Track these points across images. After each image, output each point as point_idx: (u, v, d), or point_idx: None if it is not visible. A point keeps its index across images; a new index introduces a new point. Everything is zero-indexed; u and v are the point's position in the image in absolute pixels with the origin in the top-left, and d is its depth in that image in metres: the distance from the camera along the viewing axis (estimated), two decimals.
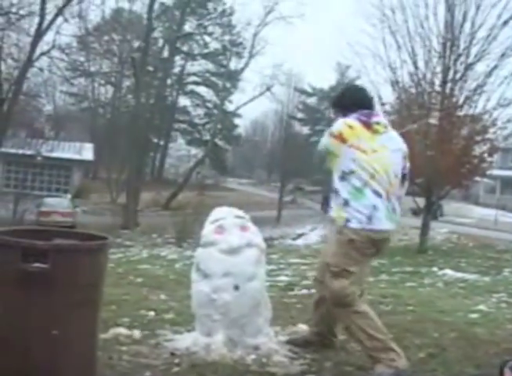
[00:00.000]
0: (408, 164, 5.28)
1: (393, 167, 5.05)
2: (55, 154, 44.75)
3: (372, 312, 5.07)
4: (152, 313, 6.79)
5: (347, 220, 4.94)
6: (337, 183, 5.00)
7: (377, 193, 4.91)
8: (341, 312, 5.02)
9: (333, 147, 5.02)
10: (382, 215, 4.95)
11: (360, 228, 4.91)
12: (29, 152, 40.01)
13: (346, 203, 4.93)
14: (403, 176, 5.20)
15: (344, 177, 4.95)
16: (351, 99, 5.30)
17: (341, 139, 4.94)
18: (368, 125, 5.01)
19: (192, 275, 5.54)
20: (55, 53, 34.72)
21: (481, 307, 8.95)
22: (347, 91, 5.75)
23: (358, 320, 4.94)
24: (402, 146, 5.25)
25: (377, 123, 5.08)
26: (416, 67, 24.12)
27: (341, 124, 5.03)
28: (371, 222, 4.92)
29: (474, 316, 7.99)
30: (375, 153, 4.95)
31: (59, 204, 36.38)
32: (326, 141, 5.12)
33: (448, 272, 15.78)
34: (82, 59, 45.40)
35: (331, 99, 5.72)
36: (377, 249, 5.12)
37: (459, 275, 15.18)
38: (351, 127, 4.97)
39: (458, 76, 23.81)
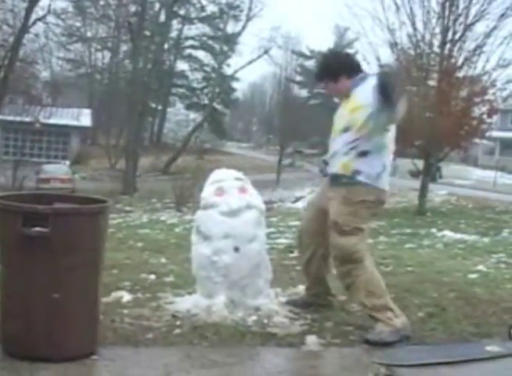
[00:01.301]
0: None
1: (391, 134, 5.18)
2: (53, 121, 44.63)
3: (376, 272, 5.16)
4: (153, 277, 6.82)
5: (357, 172, 4.97)
6: (364, 135, 4.93)
7: (388, 157, 5.08)
8: (348, 270, 5.03)
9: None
10: (387, 176, 5.09)
11: (369, 183, 4.97)
12: (27, 119, 39.81)
13: (363, 154, 4.95)
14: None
15: (378, 132, 4.96)
16: (341, 65, 5.26)
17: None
18: None
19: (192, 237, 5.56)
20: (51, 19, 34.41)
21: (480, 267, 8.98)
22: (335, 57, 5.78)
23: (361, 278, 5.00)
24: None
25: None
26: (415, 29, 23.88)
27: None
28: (378, 180, 5.01)
29: (473, 276, 8.02)
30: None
31: (57, 171, 36.38)
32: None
33: (448, 233, 15.80)
34: (78, 24, 45.04)
35: (318, 72, 5.54)
36: (380, 209, 5.25)
37: (459, 236, 15.21)
38: None
39: (457, 37, 23.58)
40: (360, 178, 4.97)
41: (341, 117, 5.17)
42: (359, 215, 5.01)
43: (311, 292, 5.69)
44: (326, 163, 5.35)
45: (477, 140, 29.83)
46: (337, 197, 5.08)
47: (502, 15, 23.28)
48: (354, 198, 4.99)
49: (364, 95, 4.94)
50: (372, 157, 4.98)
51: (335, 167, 5.12)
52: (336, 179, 5.12)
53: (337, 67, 5.24)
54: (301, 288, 6.18)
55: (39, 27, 34.32)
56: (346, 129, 5.04)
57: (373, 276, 5.07)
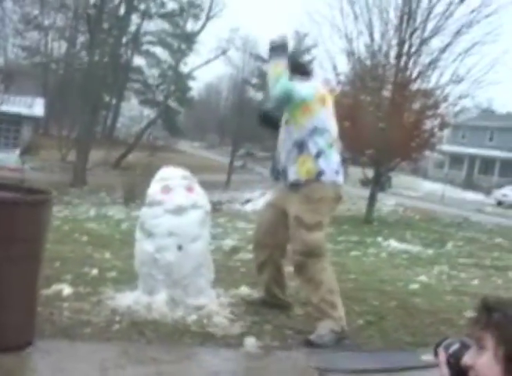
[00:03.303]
0: None
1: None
2: (4, 108, 43.94)
3: (332, 271, 5.31)
4: (95, 271, 6.77)
5: (321, 172, 5.13)
6: (305, 136, 5.16)
7: (338, 153, 5.29)
8: (313, 263, 5.14)
9: (312, 104, 5.17)
10: (341, 172, 5.30)
11: (331, 181, 5.16)
12: None
13: (320, 154, 5.13)
14: None
15: (316, 132, 5.15)
16: (293, 67, 5.40)
17: (323, 101, 5.23)
18: (329, 91, 5.48)
19: (136, 234, 5.54)
20: (8, 4, 33.97)
21: (423, 278, 9.11)
22: (296, 59, 6.26)
23: (323, 273, 5.15)
24: None
25: (330, 89, 5.39)
26: (372, 39, 24.15)
27: (320, 88, 5.37)
28: (337, 176, 5.22)
29: (415, 286, 8.13)
30: (334, 117, 5.33)
31: (6, 160, 35.86)
32: (304, 92, 5.19)
33: (393, 243, 15.99)
34: (36, 12, 44.45)
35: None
36: (337, 205, 5.45)
37: (403, 246, 15.40)
38: (323, 95, 5.28)
39: (413, 50, 23.90)
40: (324, 178, 5.15)
41: None
42: (320, 211, 5.17)
43: (270, 293, 5.77)
44: (275, 167, 5.46)
45: (427, 153, 30.18)
46: (297, 196, 5.21)
47: (458, 32, 23.66)
48: (315, 195, 5.15)
49: None
50: (328, 155, 5.17)
51: (294, 167, 5.23)
52: (298, 184, 5.24)
53: (305, 70, 5.53)
54: (244, 290, 6.20)
55: None
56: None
57: (332, 275, 5.26)
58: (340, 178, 5.27)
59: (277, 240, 5.50)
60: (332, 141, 5.22)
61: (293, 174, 5.25)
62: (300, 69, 5.41)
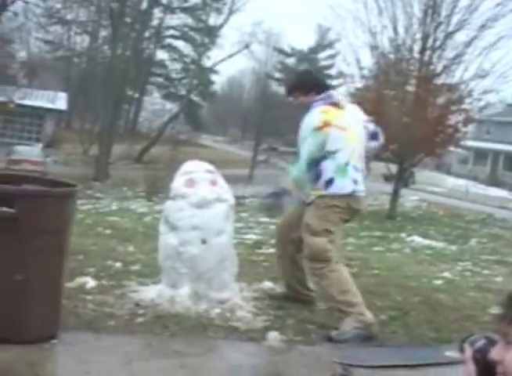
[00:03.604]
0: (372, 125, 5.68)
1: (361, 137, 5.43)
2: (27, 102, 44.12)
3: (346, 271, 5.34)
4: (119, 264, 6.81)
5: (330, 196, 5.23)
6: (320, 165, 5.20)
7: (356, 168, 5.27)
8: (318, 267, 5.23)
9: (322, 136, 5.18)
10: (361, 187, 5.32)
11: (344, 193, 5.22)
12: (0, 98, 39.38)
13: (330, 182, 5.20)
14: (375, 133, 5.66)
15: (328, 156, 5.19)
16: (315, 81, 5.66)
17: (327, 124, 5.19)
18: (336, 105, 5.36)
19: (160, 227, 5.57)
20: None
21: (446, 274, 9.06)
22: (307, 75, 6.20)
23: (332, 274, 5.17)
24: (359, 114, 5.63)
25: (341, 100, 5.50)
26: (396, 33, 24.03)
27: (317, 114, 5.28)
28: (355, 186, 5.27)
29: (438, 282, 8.10)
30: (350, 127, 5.29)
31: (29, 153, 36.00)
32: (311, 141, 5.22)
33: (416, 238, 15.93)
34: (59, 6, 44.54)
35: (291, 85, 5.86)
36: (352, 216, 5.51)
37: (427, 242, 15.34)
38: (326, 112, 5.27)
39: (437, 44, 23.75)
40: (331, 190, 5.21)
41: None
42: (328, 218, 5.23)
43: (291, 287, 5.84)
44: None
45: (451, 148, 30.03)
46: (311, 204, 5.31)
47: (483, 26, 23.48)
48: (324, 203, 5.23)
49: None
50: (338, 181, 5.22)
51: (307, 191, 5.36)
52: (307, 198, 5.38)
53: (314, 84, 5.59)
54: (267, 284, 6.23)
55: (18, 6, 33.95)
56: None
57: (343, 275, 5.25)
58: (358, 189, 5.29)
59: (293, 235, 5.56)
60: (348, 157, 5.23)
61: (307, 196, 5.37)
62: (316, 89, 5.47)
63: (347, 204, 5.26)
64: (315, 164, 5.19)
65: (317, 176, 5.21)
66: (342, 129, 5.22)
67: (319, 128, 5.18)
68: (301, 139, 5.32)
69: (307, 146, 5.20)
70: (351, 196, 5.25)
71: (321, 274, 5.25)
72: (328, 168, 5.18)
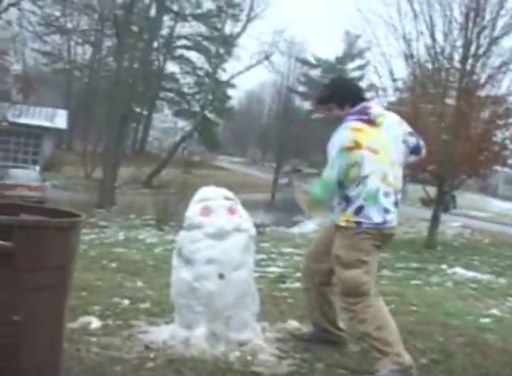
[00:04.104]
0: (413, 138, 5.53)
1: (397, 157, 5.34)
2: (23, 120, 44.40)
3: (385, 308, 5.29)
4: (126, 302, 6.82)
5: (359, 223, 5.17)
6: (351, 190, 5.17)
7: (387, 195, 5.20)
8: (353, 302, 5.16)
9: (351, 158, 5.13)
10: (393, 215, 5.26)
11: (373, 223, 5.17)
12: None
13: (360, 209, 5.15)
14: (417, 147, 5.55)
15: (360, 182, 5.15)
16: (349, 91, 5.54)
17: (358, 145, 5.13)
18: (371, 122, 5.25)
19: (173, 260, 5.57)
20: (26, 5, 34.31)
21: (494, 311, 9.01)
22: (341, 82, 6.12)
23: (369, 310, 5.12)
24: (399, 128, 5.46)
25: (378, 115, 5.33)
26: (434, 40, 24.02)
27: (349, 132, 5.18)
28: (383, 224, 5.21)
29: (486, 320, 8.05)
30: (383, 149, 5.22)
31: (26, 177, 36.12)
32: (338, 161, 5.15)
33: (459, 270, 15.84)
34: (57, 13, 44.96)
35: (324, 95, 5.69)
36: (384, 242, 5.40)
37: (471, 274, 15.24)
38: (359, 130, 5.19)
39: (481, 51, 23.72)
40: (364, 225, 5.19)
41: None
42: (359, 247, 5.17)
43: (318, 326, 5.79)
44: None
45: (497, 168, 29.92)
46: (338, 231, 5.27)
47: None
48: (352, 231, 5.17)
49: None
50: (369, 210, 5.18)
51: (336, 214, 5.33)
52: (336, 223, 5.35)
53: (349, 94, 5.50)
54: (291, 323, 6.20)
55: (12, 14, 34.20)
56: None
57: (382, 310, 5.21)
58: (389, 219, 5.23)
59: (322, 265, 5.55)
60: (379, 183, 5.17)
61: (333, 217, 5.35)
62: (352, 100, 5.41)
63: (377, 230, 5.22)
64: (342, 186, 5.17)
65: (345, 201, 5.19)
66: (374, 152, 5.16)
67: (349, 149, 5.12)
68: (328, 156, 5.26)
69: (336, 167, 5.16)
70: (381, 225, 5.21)
71: (356, 310, 5.15)
72: (357, 193, 5.15)
